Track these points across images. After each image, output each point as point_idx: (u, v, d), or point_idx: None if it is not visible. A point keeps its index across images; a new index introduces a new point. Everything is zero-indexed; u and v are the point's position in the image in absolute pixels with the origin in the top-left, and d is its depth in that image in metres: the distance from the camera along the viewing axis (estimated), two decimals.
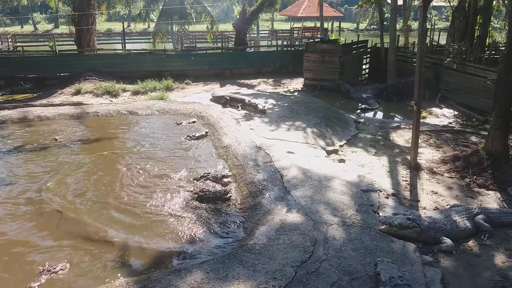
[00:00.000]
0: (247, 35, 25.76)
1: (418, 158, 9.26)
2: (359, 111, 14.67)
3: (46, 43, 23.34)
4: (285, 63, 20.70)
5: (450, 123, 12.95)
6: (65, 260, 6.18)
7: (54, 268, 5.93)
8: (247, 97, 14.40)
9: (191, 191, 8.20)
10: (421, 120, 10.78)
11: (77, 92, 16.10)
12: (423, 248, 6.30)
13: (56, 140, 11.16)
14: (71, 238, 6.81)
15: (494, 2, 16.63)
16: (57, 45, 19.48)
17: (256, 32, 30.43)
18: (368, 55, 19.67)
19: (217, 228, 7.12)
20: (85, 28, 19.22)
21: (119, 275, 5.90)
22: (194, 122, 12.81)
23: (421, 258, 5.96)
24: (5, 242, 6.71)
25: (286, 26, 43.51)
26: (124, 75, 18.18)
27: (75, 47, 20.10)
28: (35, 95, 16.16)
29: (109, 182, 8.74)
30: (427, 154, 9.95)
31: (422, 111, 12.39)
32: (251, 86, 18.02)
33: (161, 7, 26.98)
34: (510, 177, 8.39)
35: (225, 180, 8.55)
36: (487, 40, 15.99)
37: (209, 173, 8.80)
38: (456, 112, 14.06)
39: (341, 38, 22.19)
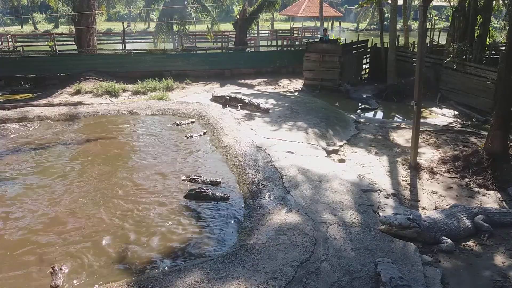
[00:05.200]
0: (247, 35, 25.76)
1: (418, 158, 9.26)
2: (359, 111, 14.67)
3: (46, 43, 23.32)
4: (285, 63, 20.70)
5: (450, 123, 12.95)
6: (68, 259, 6.16)
7: (62, 268, 5.86)
8: (247, 97, 14.39)
9: (187, 191, 8.19)
10: (421, 120, 10.77)
11: (77, 92, 16.09)
12: (423, 248, 6.30)
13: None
14: (70, 236, 6.80)
15: (494, 2, 16.63)
16: (57, 45, 19.45)
17: (256, 32, 30.45)
18: (368, 55, 19.66)
19: (216, 228, 7.11)
20: (85, 28, 19.22)
21: (118, 275, 5.89)
22: (193, 122, 12.81)
23: (421, 258, 5.96)
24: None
25: (286, 26, 43.54)
26: (124, 75, 18.16)
27: (75, 47, 20.10)
28: (35, 95, 16.14)
29: (103, 181, 8.73)
30: (427, 154, 9.94)
31: (422, 111, 12.40)
32: (251, 86, 18.02)
33: (161, 7, 27.03)
34: (510, 177, 8.38)
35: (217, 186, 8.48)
36: (487, 40, 15.99)
37: (199, 176, 8.76)
38: (456, 112, 14.07)
39: (341, 38, 22.20)
